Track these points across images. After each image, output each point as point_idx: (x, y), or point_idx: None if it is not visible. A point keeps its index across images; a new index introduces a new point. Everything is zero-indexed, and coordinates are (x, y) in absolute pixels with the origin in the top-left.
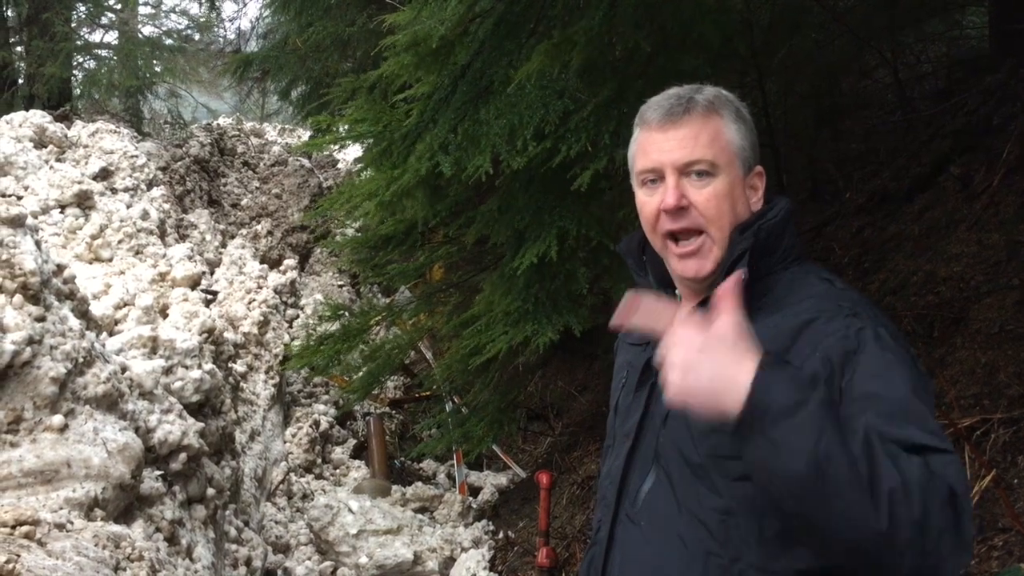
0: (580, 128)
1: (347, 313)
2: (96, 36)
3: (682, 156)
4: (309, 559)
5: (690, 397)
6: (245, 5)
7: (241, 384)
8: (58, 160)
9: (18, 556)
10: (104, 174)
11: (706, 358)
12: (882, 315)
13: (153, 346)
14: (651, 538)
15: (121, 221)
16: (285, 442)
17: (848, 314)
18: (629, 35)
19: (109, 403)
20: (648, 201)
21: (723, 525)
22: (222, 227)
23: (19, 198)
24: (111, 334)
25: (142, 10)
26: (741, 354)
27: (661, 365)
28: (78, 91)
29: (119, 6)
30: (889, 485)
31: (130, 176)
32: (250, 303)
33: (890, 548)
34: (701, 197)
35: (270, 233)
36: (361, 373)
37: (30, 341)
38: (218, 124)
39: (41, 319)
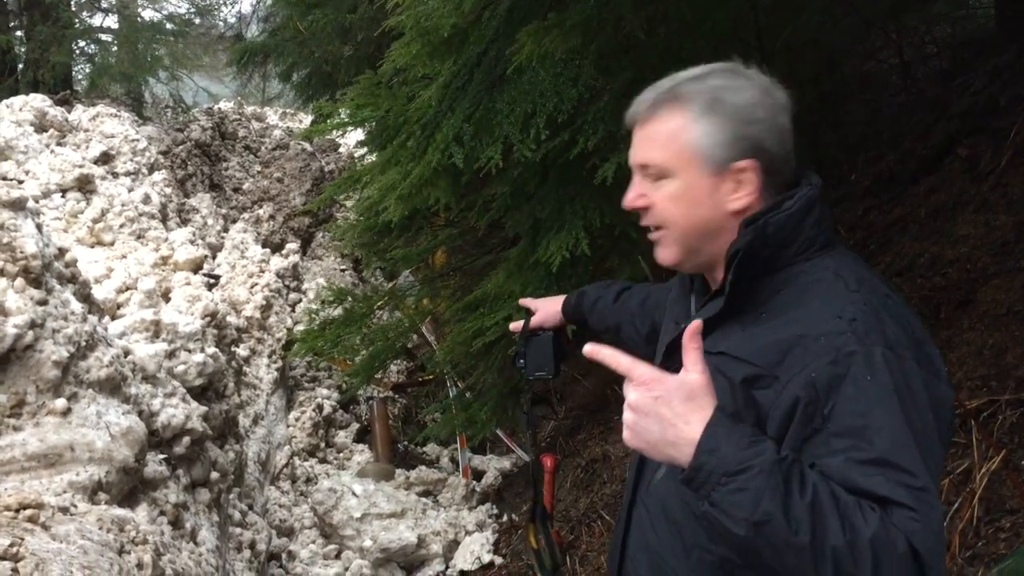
0: (598, 119)
1: (350, 297)
2: (96, 20)
3: (638, 157)
4: (313, 542)
5: (641, 442)
6: None
7: (244, 368)
8: (59, 144)
9: (22, 539)
10: (105, 158)
11: (661, 407)
12: (890, 322)
13: (156, 330)
14: (656, 525)
15: (123, 205)
16: (288, 426)
17: (843, 331)
18: (627, 21)
19: (112, 387)
20: None
21: None
22: (224, 211)
23: (20, 182)
24: (113, 318)
25: None
26: (695, 409)
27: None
28: (80, 77)
29: None
30: (833, 544)
31: (131, 160)
32: (252, 287)
33: None
34: (658, 197)
35: (272, 217)
36: (362, 356)
37: (32, 325)
38: (219, 108)
39: (43, 303)
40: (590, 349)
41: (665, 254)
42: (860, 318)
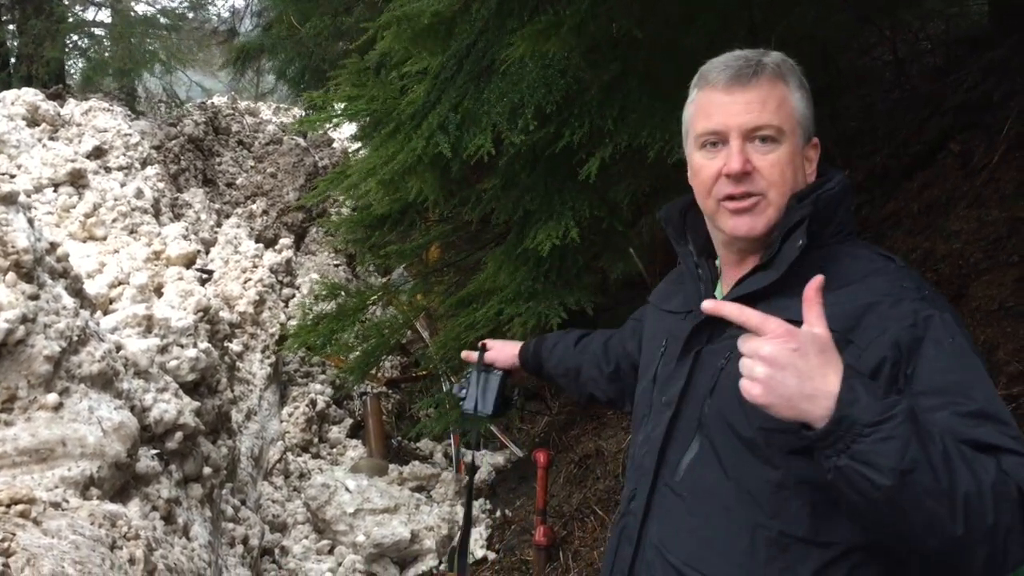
0: (583, 113)
1: (343, 293)
2: (89, 14)
3: (749, 120)
4: (306, 538)
5: (774, 398)
6: None
7: (237, 363)
8: (51, 138)
9: (13, 534)
10: (98, 152)
11: (799, 359)
12: (942, 296)
13: (148, 325)
14: (694, 509)
15: (115, 200)
16: (282, 421)
17: (915, 297)
18: (620, 20)
19: (104, 382)
20: (707, 164)
21: (774, 497)
22: (217, 206)
23: (12, 176)
24: (105, 313)
25: None
26: (829, 362)
27: (745, 353)
28: (73, 72)
29: None
30: (965, 490)
31: (124, 155)
32: (245, 282)
33: (964, 550)
34: (765, 163)
35: (265, 212)
36: (357, 353)
37: (24, 319)
38: (212, 103)
39: (35, 297)
40: (710, 305)
41: (756, 222)
42: (922, 287)
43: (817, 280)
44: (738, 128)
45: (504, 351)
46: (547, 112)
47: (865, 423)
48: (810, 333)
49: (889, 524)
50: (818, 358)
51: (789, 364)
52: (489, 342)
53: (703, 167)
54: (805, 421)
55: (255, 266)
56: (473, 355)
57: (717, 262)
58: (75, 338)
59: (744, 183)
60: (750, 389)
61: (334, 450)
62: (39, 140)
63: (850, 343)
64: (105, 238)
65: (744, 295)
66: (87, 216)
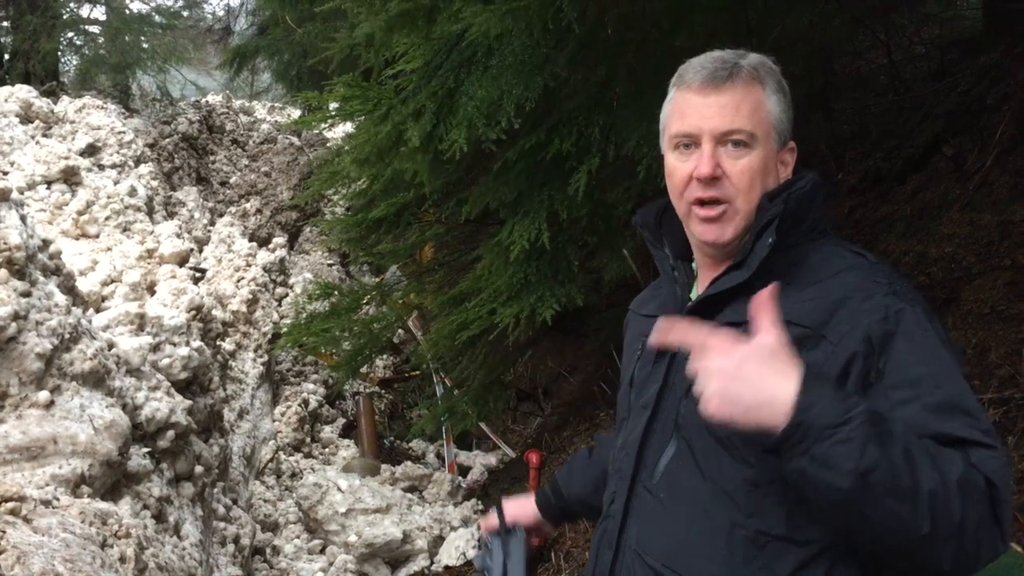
0: (572, 120)
1: (337, 292)
2: (84, 11)
3: (721, 124)
4: (298, 537)
5: (732, 409)
6: None
7: (229, 362)
8: (44, 136)
9: (3, 532)
10: (91, 150)
11: (749, 369)
12: (914, 290)
13: (140, 323)
14: (672, 510)
15: (108, 197)
16: (274, 421)
17: (887, 292)
18: (571, 10)
19: (96, 380)
20: (680, 167)
21: (750, 496)
22: (211, 205)
23: (5, 173)
24: (98, 310)
25: None
26: (783, 367)
27: (695, 373)
28: (67, 69)
29: None
30: (929, 488)
31: (117, 152)
32: (239, 281)
33: (932, 547)
34: (736, 168)
35: (259, 211)
36: (347, 348)
37: (15, 316)
38: (207, 101)
39: (27, 294)
40: (656, 339)
41: (724, 230)
42: (895, 282)
43: (769, 290)
44: (710, 132)
45: (523, 507)
46: (527, 109)
47: (823, 426)
48: (756, 343)
49: (853, 525)
50: (769, 364)
51: (739, 374)
52: (505, 502)
53: (676, 169)
54: (765, 428)
55: (248, 265)
56: (493, 522)
57: (694, 265)
58: (67, 336)
59: (713, 188)
60: (707, 406)
61: (326, 450)
62: (32, 137)
63: (823, 339)
64: (98, 236)
65: (715, 294)
66: (80, 213)
